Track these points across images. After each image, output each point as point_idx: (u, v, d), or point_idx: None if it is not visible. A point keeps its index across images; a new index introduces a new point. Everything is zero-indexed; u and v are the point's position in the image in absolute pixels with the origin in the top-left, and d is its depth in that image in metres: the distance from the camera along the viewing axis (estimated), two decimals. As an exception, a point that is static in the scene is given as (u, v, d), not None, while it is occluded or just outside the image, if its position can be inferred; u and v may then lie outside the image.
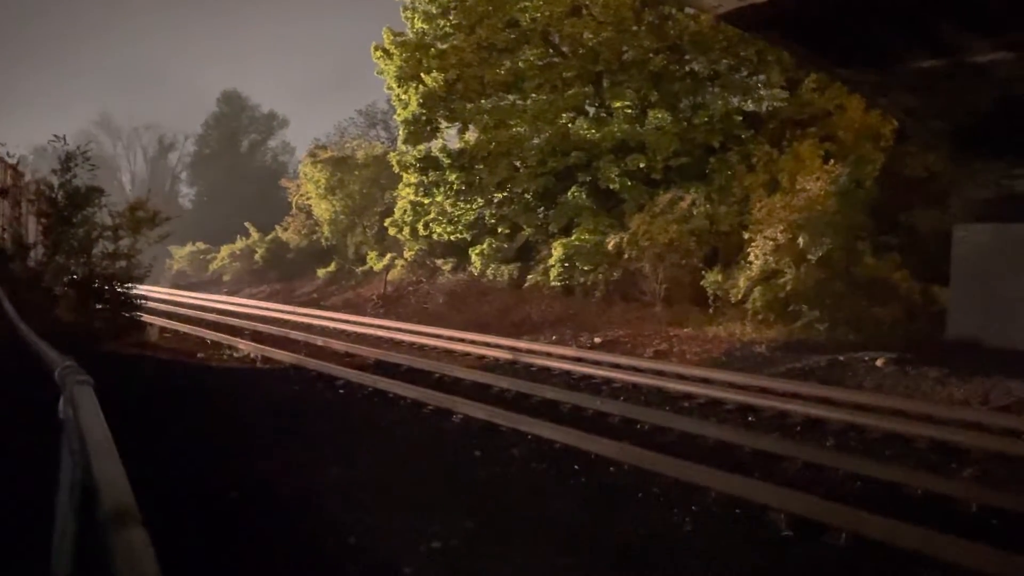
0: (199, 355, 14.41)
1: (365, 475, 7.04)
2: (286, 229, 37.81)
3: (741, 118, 20.22)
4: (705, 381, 11.95)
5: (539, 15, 21.67)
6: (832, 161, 17.47)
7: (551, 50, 22.48)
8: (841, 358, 13.16)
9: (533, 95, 22.08)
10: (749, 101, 20.81)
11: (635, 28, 20.62)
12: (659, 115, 20.50)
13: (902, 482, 6.74)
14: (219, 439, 7.85)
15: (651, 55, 20.47)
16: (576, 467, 7.39)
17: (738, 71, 20.71)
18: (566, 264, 20.96)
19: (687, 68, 20.95)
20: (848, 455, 7.80)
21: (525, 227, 23.37)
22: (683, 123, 20.46)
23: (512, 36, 22.39)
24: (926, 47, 12.24)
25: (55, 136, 14.57)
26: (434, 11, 23.51)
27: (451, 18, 23.16)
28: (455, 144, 24.20)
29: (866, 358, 12.98)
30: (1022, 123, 12.58)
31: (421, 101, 23.34)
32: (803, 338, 15.18)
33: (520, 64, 22.23)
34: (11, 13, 78.70)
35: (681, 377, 12.34)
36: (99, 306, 14.57)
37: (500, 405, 10.01)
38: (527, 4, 21.82)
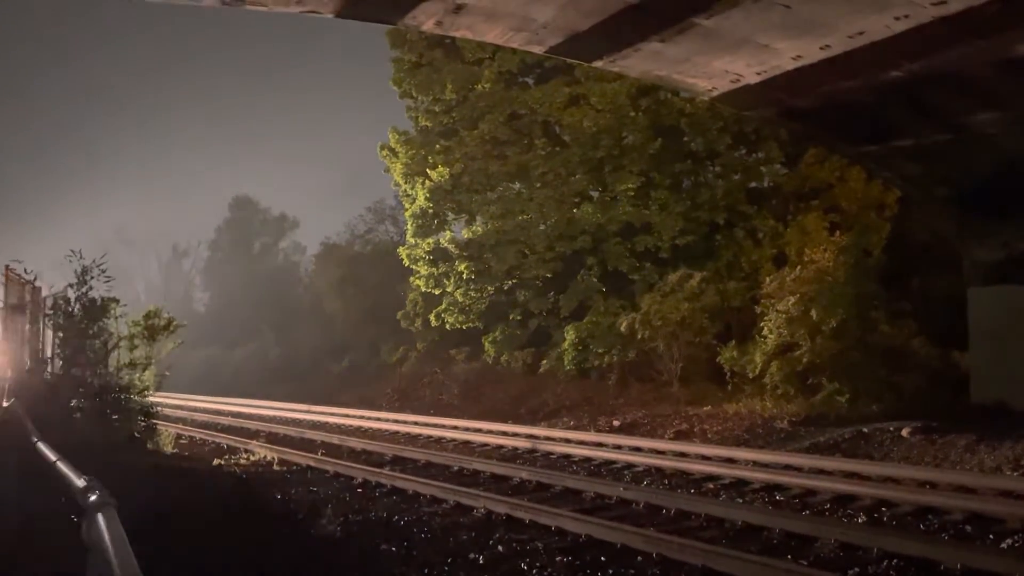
0: (215, 461, 14.28)
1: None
2: (299, 328, 37.96)
3: (744, 194, 20.47)
4: (729, 461, 11.75)
5: (539, 107, 22.27)
6: (838, 232, 17.55)
7: (553, 139, 23.00)
8: (865, 430, 12.93)
9: (538, 184, 22.48)
10: (751, 179, 21.09)
11: (633, 114, 21.11)
12: (662, 196, 20.78)
13: (939, 559, 6.51)
14: (231, 553, 7.66)
15: (650, 138, 20.88)
16: (602, 559, 7.19)
17: (737, 149, 21.08)
18: (580, 347, 20.91)
19: (687, 149, 21.34)
20: (881, 532, 7.57)
21: (536, 312, 23.42)
22: (687, 202, 20.71)
23: (514, 129, 22.97)
24: (923, 118, 12.47)
25: (71, 251, 14.85)
26: (437, 109, 24.22)
27: (454, 115, 23.83)
28: (463, 235, 24.52)
29: (891, 428, 12.76)
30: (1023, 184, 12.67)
31: (428, 196, 23.79)
32: (825, 411, 14.94)
33: (523, 156, 22.71)
34: (26, 131, 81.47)
35: (704, 458, 12.13)
36: (115, 416, 14.54)
37: (521, 497, 9.83)
38: (527, 98, 22.47)
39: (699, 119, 20.36)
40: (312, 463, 13.41)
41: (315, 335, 36.66)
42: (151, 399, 15.38)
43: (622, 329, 19.43)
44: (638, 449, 13.34)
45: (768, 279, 17.54)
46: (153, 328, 15.53)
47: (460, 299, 24.28)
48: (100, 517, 3.25)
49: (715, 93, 13.27)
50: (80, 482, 4.51)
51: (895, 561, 6.67)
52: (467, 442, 15.91)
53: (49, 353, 16.14)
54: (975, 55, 10.54)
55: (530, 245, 22.50)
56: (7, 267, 15.16)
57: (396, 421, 19.80)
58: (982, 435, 11.51)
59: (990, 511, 8.00)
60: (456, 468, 12.53)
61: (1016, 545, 7.19)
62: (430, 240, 24.41)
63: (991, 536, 7.49)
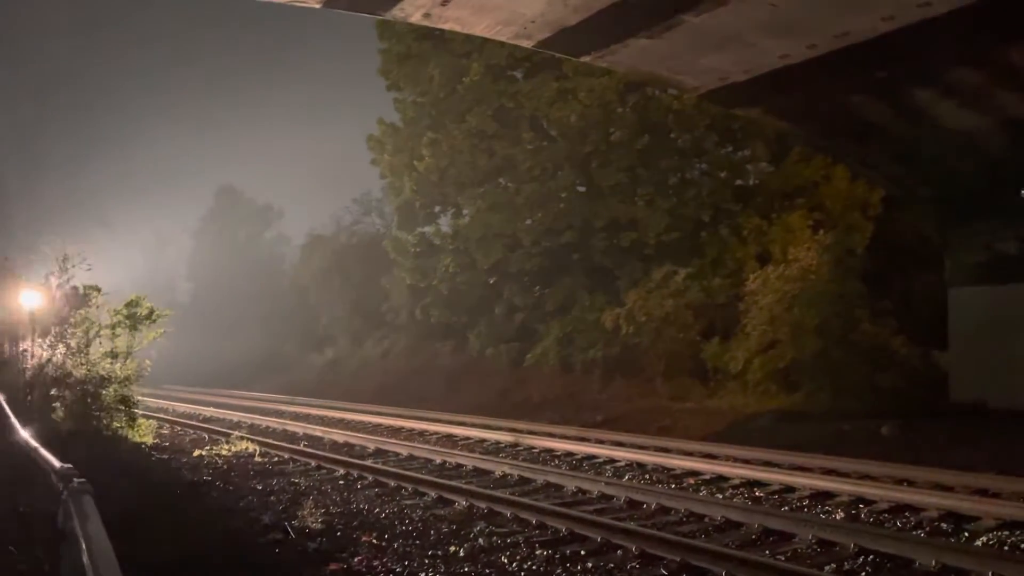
0: (196, 451, 14.21)
1: (363, 570, 6.88)
2: (284, 320, 37.82)
3: (729, 192, 20.53)
4: (709, 456, 11.82)
5: (527, 101, 22.23)
6: (822, 231, 17.65)
7: (540, 134, 22.98)
8: (845, 427, 13.04)
9: (524, 178, 22.45)
10: (737, 177, 21.15)
11: (620, 110, 21.12)
12: (649, 192, 20.81)
13: (915, 557, 6.57)
14: (207, 552, 7.62)
15: (637, 135, 20.88)
16: (582, 553, 7.22)
17: (724, 146, 21.13)
18: (564, 342, 20.95)
19: (674, 145, 21.36)
20: (859, 529, 7.63)
21: (522, 306, 23.44)
22: (673, 199, 20.75)
23: (501, 123, 22.93)
24: (907, 119, 12.56)
25: (53, 238, 14.72)
26: (425, 101, 24.15)
27: (442, 107, 23.75)
28: (448, 228, 24.51)
29: (871, 426, 12.86)
30: (1005, 186, 12.81)
31: (414, 188, 23.74)
32: (805, 408, 15.05)
33: (511, 150, 22.68)
34: (8, 118, 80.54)
35: (685, 453, 12.20)
36: (95, 406, 14.43)
37: (503, 490, 9.85)
38: (515, 92, 22.43)
39: (686, 116, 20.38)
40: (294, 455, 13.38)
41: (299, 327, 36.56)
42: (132, 389, 15.27)
43: (607, 325, 19.50)
44: (620, 444, 13.39)
45: (752, 277, 17.63)
46: (135, 317, 15.40)
47: (445, 292, 24.27)
48: (76, 503, 3.23)
49: (702, 90, 13.32)
50: (56, 468, 4.49)
51: (871, 557, 6.74)
52: (450, 435, 15.91)
53: (31, 342, 16.00)
54: (959, 57, 10.63)
55: (516, 239, 22.50)
56: (-13, 255, 15.00)
57: (379, 414, 19.77)
58: (960, 433, 11.63)
59: (966, 509, 8.07)
60: (439, 461, 12.54)
61: (991, 543, 7.26)
62: (415, 233, 24.39)
63: (966, 533, 7.57)
